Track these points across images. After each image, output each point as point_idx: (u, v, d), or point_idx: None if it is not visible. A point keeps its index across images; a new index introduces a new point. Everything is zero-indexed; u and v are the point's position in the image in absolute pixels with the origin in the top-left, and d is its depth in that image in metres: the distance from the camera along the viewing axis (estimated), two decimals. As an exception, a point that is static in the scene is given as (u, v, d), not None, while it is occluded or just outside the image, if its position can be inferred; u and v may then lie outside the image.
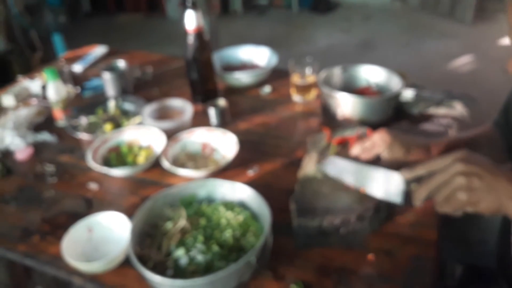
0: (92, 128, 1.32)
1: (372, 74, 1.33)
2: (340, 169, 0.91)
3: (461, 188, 0.70)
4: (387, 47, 4.00)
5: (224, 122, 1.30)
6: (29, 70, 1.74)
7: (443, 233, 1.07)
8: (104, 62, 1.71)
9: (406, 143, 0.91)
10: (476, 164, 0.71)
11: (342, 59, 1.42)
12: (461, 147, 0.95)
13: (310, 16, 4.92)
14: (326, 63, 1.35)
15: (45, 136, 1.31)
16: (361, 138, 1.00)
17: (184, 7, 1.31)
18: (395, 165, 0.85)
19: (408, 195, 0.79)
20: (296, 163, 1.07)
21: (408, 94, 1.27)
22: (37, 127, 1.36)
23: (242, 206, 0.95)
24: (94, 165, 1.13)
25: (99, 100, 1.46)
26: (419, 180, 0.76)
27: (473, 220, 1.16)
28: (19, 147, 1.26)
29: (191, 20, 1.31)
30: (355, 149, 0.94)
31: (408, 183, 0.79)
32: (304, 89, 1.40)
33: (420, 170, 0.77)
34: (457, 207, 0.72)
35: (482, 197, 0.69)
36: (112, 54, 1.86)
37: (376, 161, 0.92)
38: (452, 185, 0.71)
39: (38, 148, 1.28)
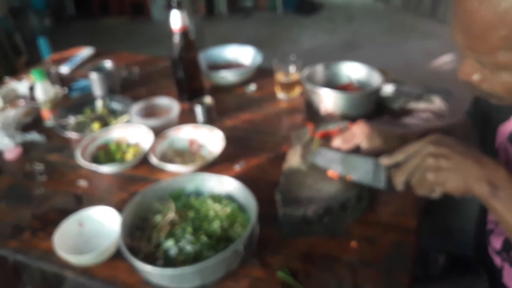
0: (81, 127, 1.33)
1: (353, 71, 1.37)
2: (328, 159, 0.96)
3: (430, 168, 0.74)
4: (370, 47, 4.06)
5: (211, 119, 1.33)
6: (14, 74, 1.74)
7: (424, 223, 1.11)
8: (91, 63, 1.72)
9: (384, 134, 0.95)
10: (445, 145, 0.74)
11: (326, 59, 1.45)
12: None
13: (294, 17, 4.97)
14: (311, 63, 1.39)
15: (34, 136, 1.32)
16: (342, 131, 1.03)
17: (169, 8, 1.34)
18: (374, 155, 0.89)
19: (390, 180, 0.83)
20: (281, 157, 1.10)
21: (388, 89, 1.31)
22: (25, 127, 1.38)
23: (230, 198, 0.98)
24: (83, 163, 1.15)
25: (87, 100, 1.48)
26: (398, 165, 0.80)
27: (452, 209, 1.21)
28: (8, 147, 1.27)
29: (177, 20, 1.34)
30: (336, 141, 0.98)
31: (389, 169, 0.83)
32: (288, 86, 1.44)
33: (398, 156, 0.81)
34: (428, 188, 0.75)
35: (449, 177, 0.72)
36: (98, 55, 1.88)
37: (356, 151, 0.96)
38: (422, 166, 0.75)
39: (27, 148, 1.30)
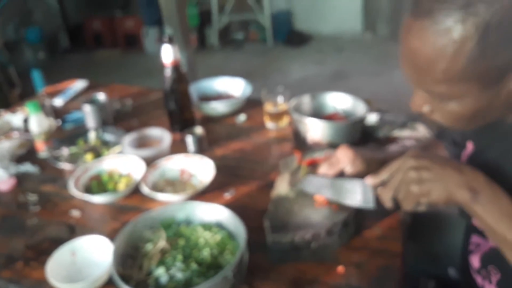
0: (74, 158, 1.36)
1: (339, 101, 1.42)
2: (316, 185, 0.99)
3: (413, 181, 0.78)
4: (359, 76, 4.16)
5: (202, 149, 1.37)
6: (7, 106, 1.78)
7: (411, 248, 1.14)
8: (85, 96, 1.76)
9: (366, 158, 0.99)
10: (425, 158, 0.79)
11: (316, 89, 1.50)
12: None
13: (284, 49, 5.09)
14: (301, 94, 1.43)
15: (28, 167, 1.35)
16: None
17: (161, 42, 1.39)
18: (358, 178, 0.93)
19: (378, 200, 0.88)
20: (270, 185, 1.13)
21: (373, 118, 1.36)
22: (19, 159, 1.40)
23: (219, 226, 1.00)
24: (76, 193, 1.17)
25: (80, 131, 1.51)
26: (383, 184, 0.85)
27: (437, 234, 1.24)
28: (2, 178, 1.29)
29: (168, 54, 1.39)
30: (322, 167, 1.02)
31: (375, 188, 0.88)
32: (276, 116, 1.48)
33: (382, 174, 0.85)
34: (414, 201, 0.79)
35: (432, 187, 0.76)
36: (92, 87, 1.92)
37: (340, 176, 1.00)
38: (406, 180, 0.79)
39: (21, 179, 1.32)
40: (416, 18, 0.69)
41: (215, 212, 1.01)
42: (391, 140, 1.36)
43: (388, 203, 0.83)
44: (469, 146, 0.91)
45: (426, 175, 0.77)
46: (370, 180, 0.89)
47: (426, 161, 0.78)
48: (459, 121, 0.76)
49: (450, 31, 0.64)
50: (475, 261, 0.94)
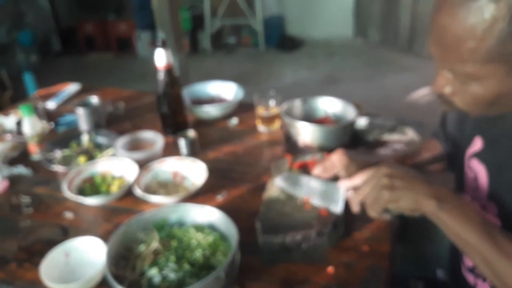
0: (67, 161, 1.37)
1: (329, 105, 1.44)
2: (292, 183, 1.07)
3: (385, 187, 0.81)
4: (350, 81, 4.19)
5: (194, 152, 1.38)
6: (-2, 109, 1.79)
7: (399, 250, 1.16)
8: (78, 99, 1.77)
9: (360, 163, 1.02)
10: (398, 168, 0.83)
11: (307, 94, 1.53)
12: (407, 159, 1.10)
13: (276, 54, 5.12)
14: (293, 98, 1.45)
15: (21, 170, 1.35)
16: (318, 161, 1.09)
17: (154, 46, 1.40)
18: None
19: (347, 203, 0.93)
20: (262, 187, 1.15)
21: (362, 122, 1.38)
22: (12, 161, 1.41)
23: (212, 228, 1.02)
24: (70, 195, 1.18)
25: (73, 134, 1.52)
26: (355, 189, 0.89)
27: (426, 235, 1.27)
28: (-5, 180, 1.30)
29: (161, 58, 1.40)
30: (317, 169, 1.04)
31: (347, 192, 0.92)
32: (268, 120, 1.51)
33: (356, 180, 0.89)
34: (382, 206, 0.82)
35: (402, 194, 0.80)
36: (85, 91, 1.93)
37: (334, 180, 1.03)
38: (378, 185, 0.82)
39: (14, 181, 1.32)
40: None
41: (208, 214, 1.03)
42: (381, 143, 1.38)
43: (355, 207, 0.88)
44: (477, 142, 0.92)
45: (397, 183, 0.81)
46: (343, 184, 0.93)
47: (399, 171, 0.83)
48: (479, 105, 0.77)
49: (482, 10, 0.65)
50: (468, 260, 0.97)
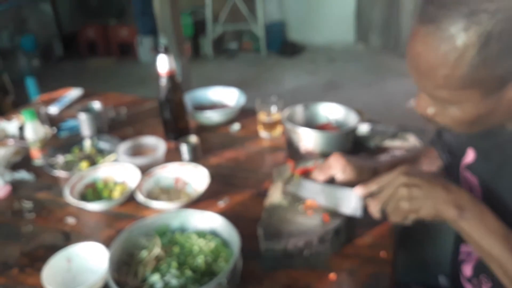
0: (69, 166, 1.37)
1: (331, 111, 1.44)
2: (309, 190, 1.04)
3: (403, 198, 0.81)
4: (351, 87, 4.20)
5: (196, 158, 1.38)
6: (0, 114, 1.79)
7: (401, 256, 1.16)
8: (80, 104, 1.78)
9: (357, 166, 1.02)
10: (415, 175, 0.82)
11: (308, 99, 1.53)
12: (404, 164, 1.10)
13: (277, 59, 5.13)
14: (294, 103, 1.46)
15: (23, 175, 1.36)
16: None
17: (156, 52, 1.41)
18: (348, 186, 0.96)
19: (365, 209, 0.91)
20: (264, 194, 1.15)
21: (364, 128, 1.39)
22: (14, 166, 1.41)
23: (214, 234, 1.02)
24: (72, 200, 1.18)
25: (75, 139, 1.52)
26: (372, 195, 0.88)
27: (427, 242, 1.27)
28: (-3, 185, 1.30)
29: (163, 64, 1.41)
30: (314, 172, 1.05)
31: (364, 198, 0.91)
32: (270, 126, 1.51)
33: (372, 186, 0.89)
34: (403, 215, 0.82)
35: (422, 204, 0.80)
36: (87, 96, 1.93)
37: (330, 182, 1.03)
38: (396, 196, 0.82)
39: (16, 186, 1.33)
40: (422, 24, 0.71)
41: (209, 220, 1.03)
42: (382, 150, 1.38)
43: (376, 214, 0.87)
44: (470, 154, 0.92)
45: (416, 193, 0.80)
46: (359, 190, 0.92)
47: (416, 178, 0.82)
48: (460, 125, 0.78)
49: (453, 38, 0.67)
50: (467, 270, 0.97)
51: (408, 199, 0.80)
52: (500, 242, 0.74)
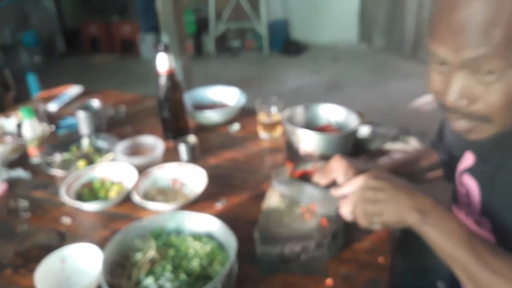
0: (66, 165, 1.36)
1: (332, 112, 1.43)
2: (289, 189, 1.06)
3: (368, 200, 0.82)
4: (354, 87, 4.18)
5: (194, 158, 1.37)
6: (2, 109, 1.78)
7: (400, 261, 1.15)
8: (79, 101, 1.76)
9: (359, 169, 1.01)
10: (383, 179, 0.83)
11: (311, 99, 1.52)
12: (404, 166, 1.08)
13: (280, 58, 5.12)
14: (296, 103, 1.45)
15: (19, 173, 1.34)
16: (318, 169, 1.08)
17: (156, 49, 1.40)
18: None
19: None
20: (262, 196, 1.13)
21: (365, 131, 1.37)
22: (11, 164, 1.40)
23: (210, 237, 1.00)
24: (68, 200, 1.17)
25: (73, 138, 1.51)
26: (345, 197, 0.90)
27: (426, 246, 1.25)
28: (-7, 183, 1.29)
29: (163, 63, 1.40)
30: (316, 176, 1.04)
31: (338, 200, 0.93)
32: (270, 126, 1.49)
33: (345, 188, 0.91)
34: (368, 219, 0.83)
35: (385, 208, 0.80)
36: (86, 93, 1.92)
37: (333, 185, 1.02)
38: (362, 198, 0.83)
39: (13, 184, 1.32)
40: None
41: (206, 223, 1.01)
42: (383, 152, 1.37)
43: (347, 216, 0.89)
44: (469, 158, 0.91)
45: (380, 196, 0.81)
46: (334, 192, 0.95)
47: (383, 182, 0.82)
48: (504, 107, 0.70)
49: None
50: None
51: (372, 202, 0.81)
52: (462, 245, 0.74)
